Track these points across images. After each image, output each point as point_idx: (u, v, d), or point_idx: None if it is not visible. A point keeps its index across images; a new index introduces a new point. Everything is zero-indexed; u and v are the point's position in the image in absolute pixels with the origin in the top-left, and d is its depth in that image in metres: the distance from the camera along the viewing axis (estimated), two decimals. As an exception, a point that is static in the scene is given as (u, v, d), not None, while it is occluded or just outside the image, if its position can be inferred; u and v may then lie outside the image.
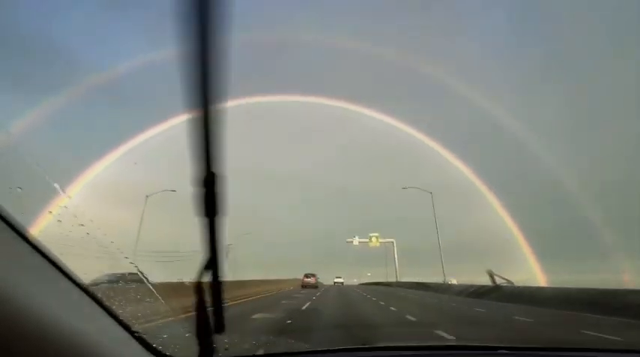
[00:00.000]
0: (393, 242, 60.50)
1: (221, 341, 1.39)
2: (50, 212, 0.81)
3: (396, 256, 59.60)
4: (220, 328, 0.87)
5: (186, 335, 1.40)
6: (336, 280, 54.79)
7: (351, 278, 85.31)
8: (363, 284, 65.96)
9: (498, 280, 22.60)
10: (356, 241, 58.76)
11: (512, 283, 22.27)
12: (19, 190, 0.71)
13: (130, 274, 1.23)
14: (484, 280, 23.39)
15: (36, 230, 0.71)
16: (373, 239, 57.71)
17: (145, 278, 1.21)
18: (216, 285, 0.85)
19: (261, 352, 1.21)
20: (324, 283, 47.58)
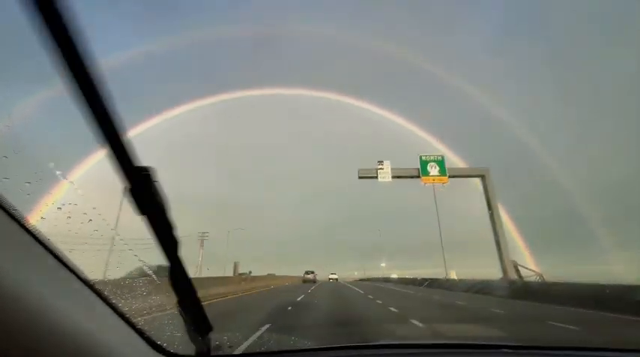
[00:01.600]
0: (483, 176, 24.06)
1: (220, 339, 1.39)
2: (59, 208, 0.80)
3: (497, 207, 23.14)
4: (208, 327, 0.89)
5: (188, 331, 1.40)
6: (331, 276, 55.32)
7: (352, 272, 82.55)
8: (360, 280, 64.80)
9: (524, 273, 19.12)
10: (386, 172, 24.02)
11: (542, 275, 18.69)
12: (27, 184, 0.70)
13: (135, 268, 1.22)
14: (484, 274, 20.71)
15: (43, 225, 0.70)
16: (431, 168, 23.47)
17: (151, 272, 1.21)
18: (184, 282, 0.85)
19: (258, 350, 1.21)
20: (319, 279, 48.47)
